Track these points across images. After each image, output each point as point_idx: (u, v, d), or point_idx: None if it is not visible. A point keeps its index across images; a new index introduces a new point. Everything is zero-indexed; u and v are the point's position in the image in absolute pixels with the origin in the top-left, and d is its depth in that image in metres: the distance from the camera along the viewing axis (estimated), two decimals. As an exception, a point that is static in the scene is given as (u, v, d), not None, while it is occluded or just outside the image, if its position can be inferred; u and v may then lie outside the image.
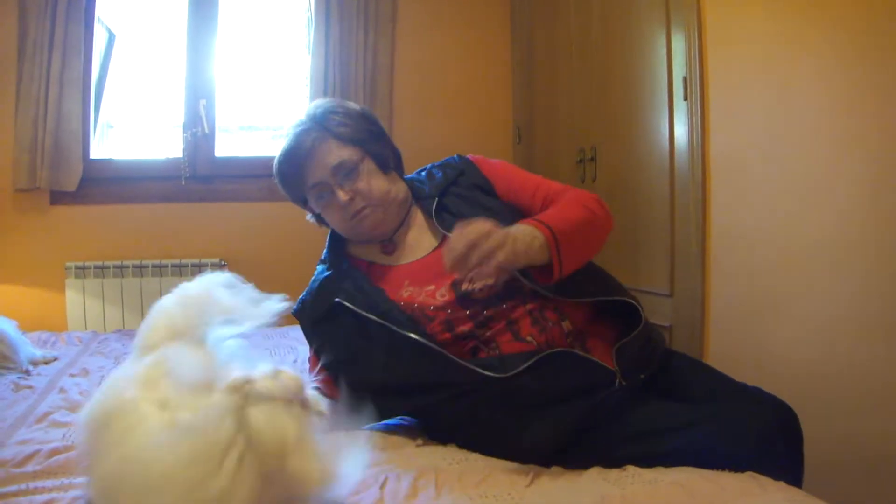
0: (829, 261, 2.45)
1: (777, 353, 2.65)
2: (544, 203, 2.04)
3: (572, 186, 2.09)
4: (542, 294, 1.92)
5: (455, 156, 2.25)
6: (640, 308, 1.95)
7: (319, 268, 2.20)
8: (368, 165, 2.07)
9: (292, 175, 2.12)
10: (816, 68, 2.48)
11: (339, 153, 2.05)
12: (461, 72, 4.88)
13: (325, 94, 4.40)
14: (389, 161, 2.14)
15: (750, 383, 1.93)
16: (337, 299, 1.99)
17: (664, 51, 3.11)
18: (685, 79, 2.98)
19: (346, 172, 2.05)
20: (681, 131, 3.04)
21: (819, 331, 2.50)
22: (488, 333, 1.89)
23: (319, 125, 2.08)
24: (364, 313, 1.92)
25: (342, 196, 2.04)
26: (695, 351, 2.88)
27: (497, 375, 1.77)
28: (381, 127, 2.21)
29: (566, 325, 1.91)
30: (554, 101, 4.26)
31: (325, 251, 2.24)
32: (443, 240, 2.04)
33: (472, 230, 1.69)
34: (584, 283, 1.96)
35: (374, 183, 2.07)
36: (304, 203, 2.20)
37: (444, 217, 2.06)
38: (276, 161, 2.15)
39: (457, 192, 2.11)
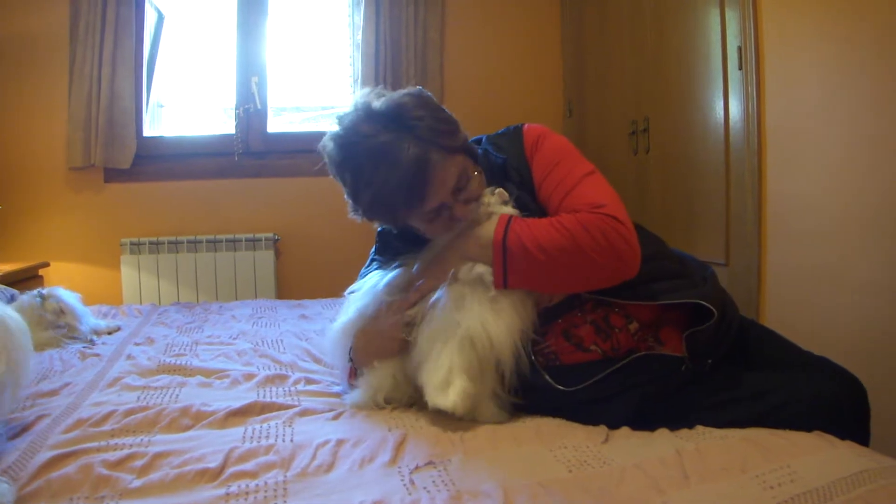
0: (887, 228, 2.43)
1: (834, 320, 2.63)
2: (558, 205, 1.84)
3: (600, 203, 1.78)
4: (606, 302, 1.85)
5: (511, 129, 2.03)
6: (711, 308, 1.79)
7: (376, 265, 2.09)
8: (474, 168, 1.88)
9: (406, 203, 1.79)
10: (873, 36, 2.46)
11: (453, 169, 1.80)
12: (511, 46, 4.89)
13: (375, 70, 4.43)
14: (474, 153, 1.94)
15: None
16: None
17: (718, 20, 3.10)
18: (740, 48, 2.97)
19: (460, 187, 1.82)
20: (736, 101, 3.03)
21: (876, 298, 2.48)
22: (546, 347, 1.86)
23: (426, 141, 1.76)
24: None
25: (462, 212, 1.84)
26: (751, 318, 2.86)
27: (562, 388, 1.76)
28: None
29: (633, 326, 1.85)
30: (605, 73, 4.26)
31: (374, 249, 2.14)
32: None
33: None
34: (651, 284, 1.85)
35: (479, 182, 1.88)
36: (394, 223, 1.94)
37: None
38: (375, 188, 1.77)
39: (509, 190, 1.90)
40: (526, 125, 2.02)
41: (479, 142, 2.06)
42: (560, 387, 1.76)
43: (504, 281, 1.74)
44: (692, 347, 1.80)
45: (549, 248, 1.71)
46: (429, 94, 1.91)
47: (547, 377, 1.79)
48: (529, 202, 1.89)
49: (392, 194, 1.75)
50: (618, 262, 1.74)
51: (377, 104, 1.80)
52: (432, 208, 1.80)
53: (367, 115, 1.79)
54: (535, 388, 1.79)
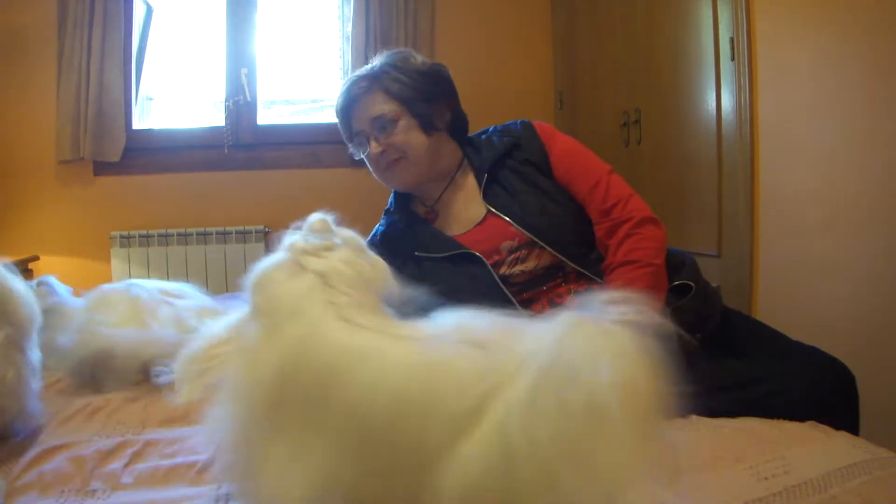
0: (879, 220, 2.43)
1: (827, 311, 2.63)
2: (600, 208, 2.00)
3: (629, 193, 2.03)
4: (587, 275, 1.95)
5: (518, 121, 2.19)
6: (690, 284, 1.93)
7: (385, 218, 2.25)
8: (408, 122, 2.06)
9: (342, 120, 2.17)
10: (866, 26, 2.45)
11: (380, 107, 2.06)
12: (501, 38, 4.87)
13: (365, 63, 4.40)
14: (436, 122, 2.11)
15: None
16: (417, 252, 2.05)
17: (710, 11, 3.10)
18: (732, 39, 2.96)
19: (382, 125, 2.06)
20: (728, 92, 3.02)
21: (869, 289, 2.49)
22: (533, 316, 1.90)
23: (374, 76, 2.08)
24: (451, 252, 2.00)
25: (374, 148, 2.08)
26: (744, 311, 2.85)
27: None
28: (445, 87, 2.16)
29: None
30: (596, 65, 4.25)
31: (390, 200, 2.28)
32: (487, 215, 2.06)
33: None
34: None
35: (410, 139, 2.07)
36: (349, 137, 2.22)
37: (496, 191, 2.07)
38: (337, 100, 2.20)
39: (511, 166, 2.09)
40: (535, 122, 2.18)
41: (485, 132, 2.22)
42: None
43: None
44: (678, 324, 1.82)
45: (652, 293, 1.85)
46: (435, 71, 2.15)
47: None
48: (536, 176, 2.05)
49: (337, 108, 2.16)
50: (665, 237, 1.99)
51: (385, 56, 2.14)
52: (357, 131, 2.12)
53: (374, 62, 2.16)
54: None
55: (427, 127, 2.08)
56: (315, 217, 1.28)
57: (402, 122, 2.05)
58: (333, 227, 1.27)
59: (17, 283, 1.69)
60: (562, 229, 1.97)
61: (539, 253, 1.96)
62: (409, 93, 2.06)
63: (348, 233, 1.28)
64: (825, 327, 2.55)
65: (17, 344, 1.61)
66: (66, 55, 4.25)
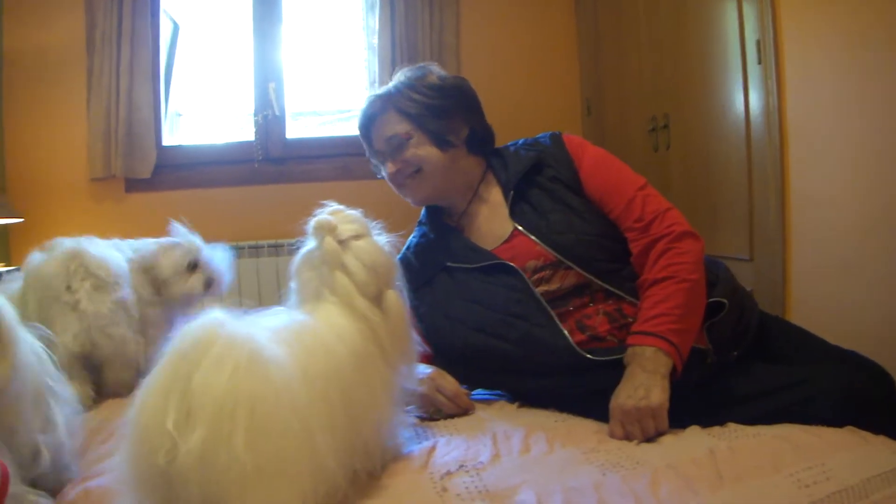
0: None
1: (862, 314, 2.61)
2: (636, 225, 1.96)
3: (666, 207, 1.99)
4: (617, 294, 1.92)
5: (548, 134, 2.17)
6: (724, 302, 1.89)
7: (418, 229, 2.25)
8: (419, 139, 2.08)
9: (364, 139, 2.22)
10: (890, 26, 2.44)
11: (393, 127, 2.10)
12: (527, 47, 4.86)
13: (391, 73, 4.42)
14: (451, 138, 2.10)
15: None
16: (448, 263, 2.05)
17: (735, 14, 3.09)
18: (758, 42, 2.95)
19: (396, 144, 2.09)
20: (756, 95, 3.01)
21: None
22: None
23: (388, 96, 2.11)
24: (485, 263, 1.99)
25: (389, 167, 2.12)
26: (778, 315, 2.84)
27: (590, 357, 1.81)
28: (462, 101, 2.16)
29: None
30: (623, 71, 4.25)
31: (423, 212, 2.29)
32: (513, 232, 2.04)
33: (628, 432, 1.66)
34: None
35: (422, 153, 2.08)
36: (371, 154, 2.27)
37: (523, 209, 2.05)
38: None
39: (540, 183, 2.07)
40: (564, 134, 2.16)
41: (515, 144, 2.21)
42: (589, 356, 1.81)
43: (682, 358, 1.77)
44: (713, 339, 1.84)
45: (688, 308, 1.81)
46: (450, 85, 2.15)
47: (570, 340, 1.84)
48: (565, 193, 2.03)
49: (358, 127, 2.21)
50: (703, 250, 1.94)
51: (402, 74, 2.17)
52: (376, 150, 2.17)
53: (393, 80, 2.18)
54: (558, 359, 1.84)
55: (440, 143, 2.09)
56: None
57: (414, 139, 2.08)
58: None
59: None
60: (589, 246, 1.94)
61: (564, 273, 1.94)
62: (421, 110, 2.08)
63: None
64: (862, 331, 2.53)
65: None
66: (95, 74, 4.30)
